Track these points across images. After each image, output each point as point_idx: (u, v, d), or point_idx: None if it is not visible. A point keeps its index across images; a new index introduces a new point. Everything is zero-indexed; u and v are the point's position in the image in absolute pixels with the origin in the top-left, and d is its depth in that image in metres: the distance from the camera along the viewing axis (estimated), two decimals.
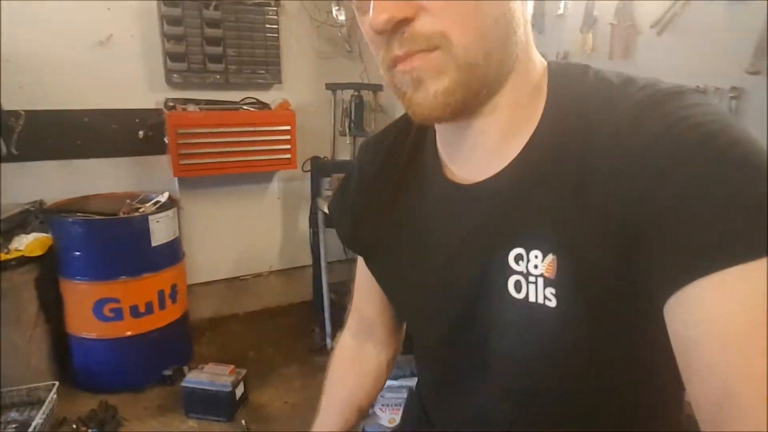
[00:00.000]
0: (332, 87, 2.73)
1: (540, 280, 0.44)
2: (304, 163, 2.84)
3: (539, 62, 0.49)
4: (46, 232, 2.18)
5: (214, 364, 2.20)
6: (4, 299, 2.05)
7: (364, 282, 0.71)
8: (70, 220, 2.09)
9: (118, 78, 2.45)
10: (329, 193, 2.67)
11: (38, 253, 2.09)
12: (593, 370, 0.46)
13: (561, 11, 2.07)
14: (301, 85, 2.85)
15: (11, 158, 2.29)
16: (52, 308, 2.22)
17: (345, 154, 2.96)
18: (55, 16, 2.28)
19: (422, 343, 0.63)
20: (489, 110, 0.47)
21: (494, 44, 0.43)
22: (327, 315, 2.65)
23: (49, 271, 2.18)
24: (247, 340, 2.74)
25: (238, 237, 2.94)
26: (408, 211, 0.57)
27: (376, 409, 2.03)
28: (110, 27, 2.39)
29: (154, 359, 2.31)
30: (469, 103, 0.45)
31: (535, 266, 0.44)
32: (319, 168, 2.75)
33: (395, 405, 2.00)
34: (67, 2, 2.28)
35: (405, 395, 2.02)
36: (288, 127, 2.65)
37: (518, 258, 0.45)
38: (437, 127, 0.54)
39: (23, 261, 2.07)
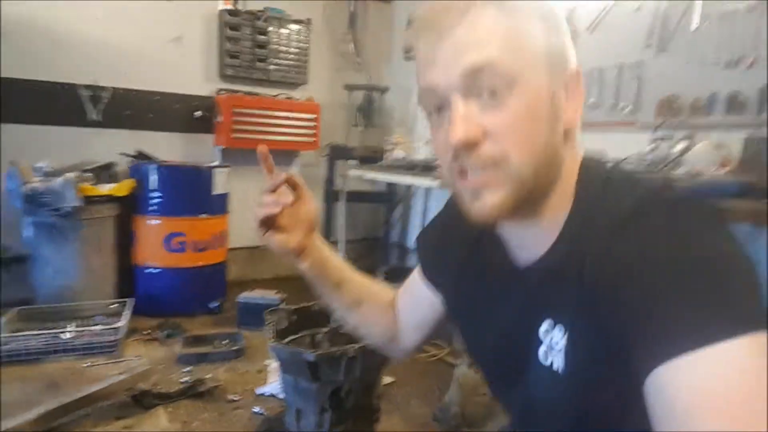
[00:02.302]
0: (349, 88, 3.45)
1: (562, 352, 0.54)
2: (323, 148, 3.48)
3: (575, 165, 0.56)
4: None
5: (261, 289, 2.69)
6: (90, 228, 2.50)
7: (411, 297, 0.81)
8: (154, 165, 2.61)
9: (183, 69, 3.08)
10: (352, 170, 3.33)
11: (123, 193, 2.58)
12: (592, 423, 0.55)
13: None
14: (321, 87, 3.55)
15: (95, 124, 2.82)
16: (122, 244, 2.68)
17: (356, 142, 3.63)
18: (143, 15, 2.92)
19: (484, 373, 0.74)
20: (535, 212, 0.55)
21: (542, 163, 0.51)
22: None
23: (125, 211, 2.66)
24: None
25: None
26: (478, 275, 0.67)
27: None
28: (181, 28, 3.04)
29: (203, 292, 2.77)
30: (518, 211, 0.53)
31: (557, 341, 0.54)
32: (336, 151, 3.41)
33: None
34: (153, 5, 2.93)
35: None
36: (314, 116, 3.32)
37: (546, 332, 0.56)
38: None
39: (110, 199, 2.55)
